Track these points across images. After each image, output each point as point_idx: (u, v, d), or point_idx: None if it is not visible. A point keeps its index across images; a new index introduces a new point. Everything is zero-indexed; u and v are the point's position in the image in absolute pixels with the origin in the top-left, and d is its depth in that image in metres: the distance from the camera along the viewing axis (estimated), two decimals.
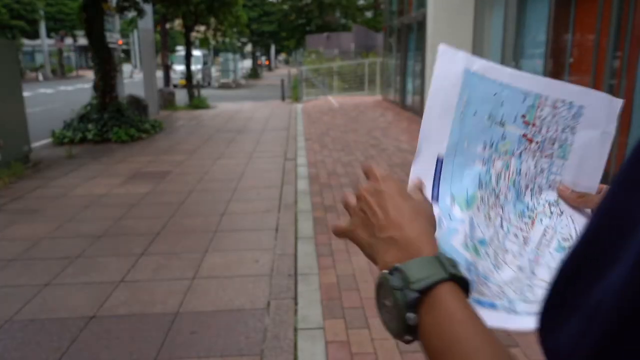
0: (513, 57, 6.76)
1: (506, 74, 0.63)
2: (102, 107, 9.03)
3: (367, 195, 0.55)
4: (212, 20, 15.53)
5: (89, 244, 3.86)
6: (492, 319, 0.51)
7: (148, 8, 11.45)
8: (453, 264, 0.48)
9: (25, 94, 7.27)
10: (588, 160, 0.64)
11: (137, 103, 11.45)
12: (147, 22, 12.37)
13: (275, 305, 2.83)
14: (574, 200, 0.64)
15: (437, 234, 0.54)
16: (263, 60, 52.05)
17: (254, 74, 36.08)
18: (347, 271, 3.26)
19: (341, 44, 28.65)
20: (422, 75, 10.61)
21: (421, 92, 10.79)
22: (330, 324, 2.64)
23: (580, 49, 5.37)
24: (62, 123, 8.98)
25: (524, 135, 0.63)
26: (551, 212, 0.64)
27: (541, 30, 6.03)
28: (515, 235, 0.62)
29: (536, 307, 0.46)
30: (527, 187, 0.64)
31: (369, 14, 39.61)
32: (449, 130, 0.62)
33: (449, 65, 0.63)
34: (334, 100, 16.04)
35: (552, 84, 0.63)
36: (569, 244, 0.61)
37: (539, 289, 0.57)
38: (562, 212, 0.64)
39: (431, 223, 0.54)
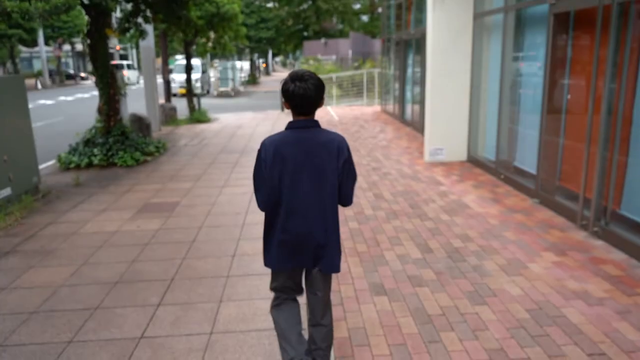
0: (511, 85, 6.92)
1: None
2: (107, 131, 9.16)
3: None
4: (212, 34, 15.63)
5: (106, 292, 3.99)
6: None
7: (149, 27, 11.58)
8: None
9: None
10: None
11: (139, 122, 11.58)
12: (148, 40, 12.48)
13: None
14: None
15: None
16: (260, 62, 52.11)
17: (252, 79, 36.19)
18: (357, 324, 3.40)
19: (339, 50, 28.78)
20: (421, 88, 10.76)
21: (421, 106, 10.93)
22: None
23: (578, 74, 5.51)
24: (65, 138, 9.12)
25: None
26: None
27: (539, 55, 6.17)
28: None
29: None
30: None
31: (365, 18, 39.75)
32: None
33: None
34: (333, 112, 16.18)
35: None
36: None
37: None
38: None
39: None
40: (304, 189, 2.41)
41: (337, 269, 2.57)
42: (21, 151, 6.64)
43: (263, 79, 46.41)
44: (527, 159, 6.61)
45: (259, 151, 2.44)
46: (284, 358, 2.59)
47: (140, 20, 9.96)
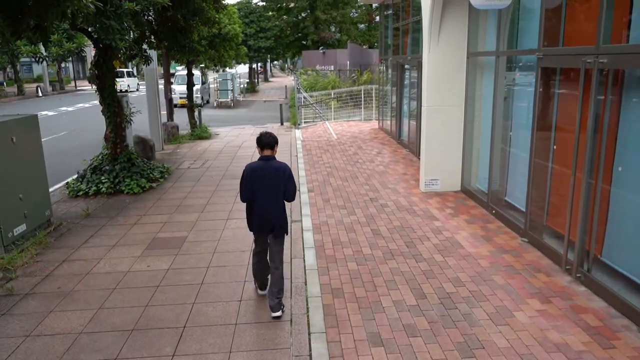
0: (503, 118, 7.26)
1: None
2: (114, 158, 9.47)
3: None
4: (213, 52, 15.95)
5: (123, 341, 4.30)
6: None
7: (153, 53, 11.89)
8: None
9: None
10: None
11: (143, 143, 11.92)
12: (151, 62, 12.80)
13: None
14: None
15: None
16: (259, 66, 52.43)
17: (251, 88, 36.52)
18: None
19: (337, 61, 29.15)
20: (417, 112, 11.09)
21: (417, 130, 11.26)
22: None
23: (563, 123, 5.84)
24: (69, 157, 9.41)
25: None
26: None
27: (528, 99, 6.51)
28: None
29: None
30: None
31: (362, 27, 40.17)
32: None
33: None
34: (331, 128, 16.51)
35: None
36: None
37: None
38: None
39: None
40: (266, 191, 4.56)
41: (283, 235, 4.72)
42: (35, 187, 6.94)
43: (262, 85, 46.73)
44: (517, 195, 6.96)
45: (244, 172, 4.63)
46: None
47: (145, 46, 10.29)
